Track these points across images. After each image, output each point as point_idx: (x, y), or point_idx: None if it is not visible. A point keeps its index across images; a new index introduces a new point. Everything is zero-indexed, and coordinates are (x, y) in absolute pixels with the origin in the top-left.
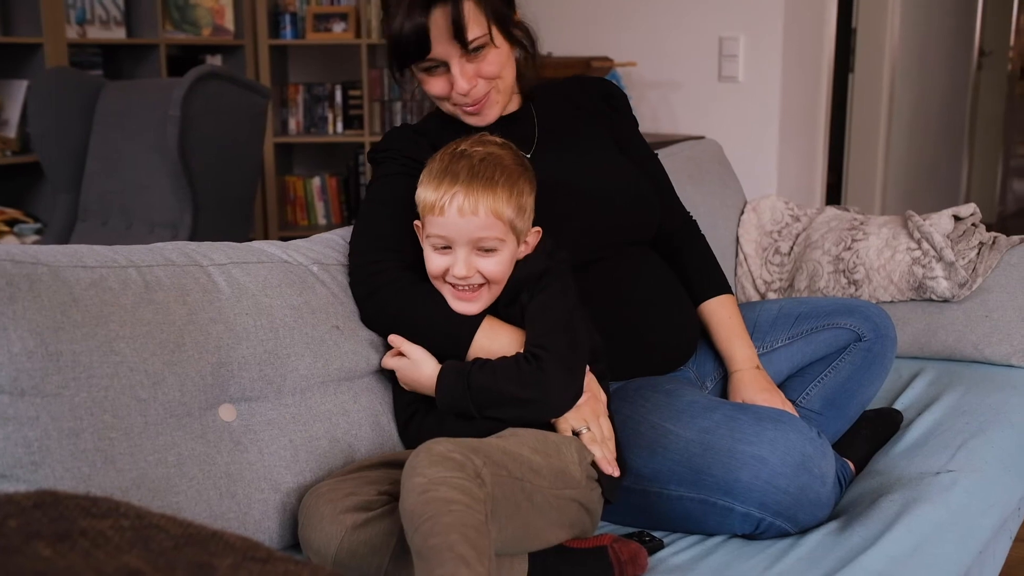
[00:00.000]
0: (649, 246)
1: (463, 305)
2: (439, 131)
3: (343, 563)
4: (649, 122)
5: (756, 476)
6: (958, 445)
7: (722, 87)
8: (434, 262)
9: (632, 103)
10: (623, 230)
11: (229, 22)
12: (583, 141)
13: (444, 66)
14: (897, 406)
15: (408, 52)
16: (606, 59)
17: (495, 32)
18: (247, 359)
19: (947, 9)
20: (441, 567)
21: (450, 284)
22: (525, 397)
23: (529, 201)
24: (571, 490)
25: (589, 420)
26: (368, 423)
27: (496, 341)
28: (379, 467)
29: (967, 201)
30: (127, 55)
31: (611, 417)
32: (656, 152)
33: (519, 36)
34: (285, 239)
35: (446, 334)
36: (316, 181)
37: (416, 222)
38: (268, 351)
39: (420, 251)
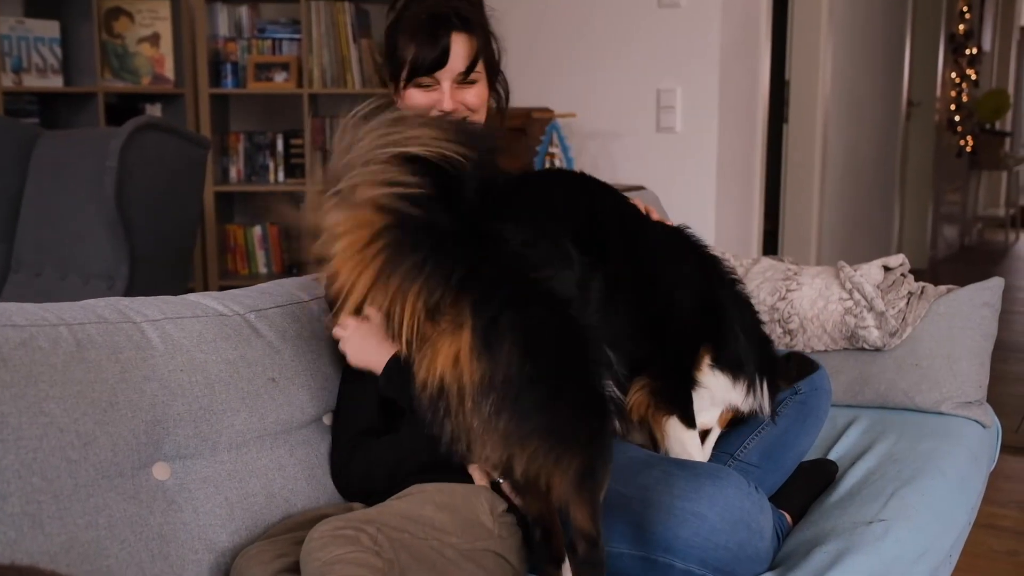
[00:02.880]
0: None
1: None
2: None
3: None
4: (589, 172)
5: (696, 533)
6: (890, 494)
7: (660, 138)
8: None
9: (572, 153)
10: None
11: (169, 71)
12: None
13: (435, 85)
14: (832, 455)
15: (421, 67)
16: (546, 110)
17: (486, 74)
18: (182, 416)
19: (877, 62)
20: None
21: None
22: None
23: None
24: (483, 541)
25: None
26: (304, 477)
27: None
28: (312, 525)
29: (900, 247)
30: (64, 103)
31: None
32: None
33: (499, 87)
34: (225, 288)
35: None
36: (257, 230)
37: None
38: (203, 407)
39: None
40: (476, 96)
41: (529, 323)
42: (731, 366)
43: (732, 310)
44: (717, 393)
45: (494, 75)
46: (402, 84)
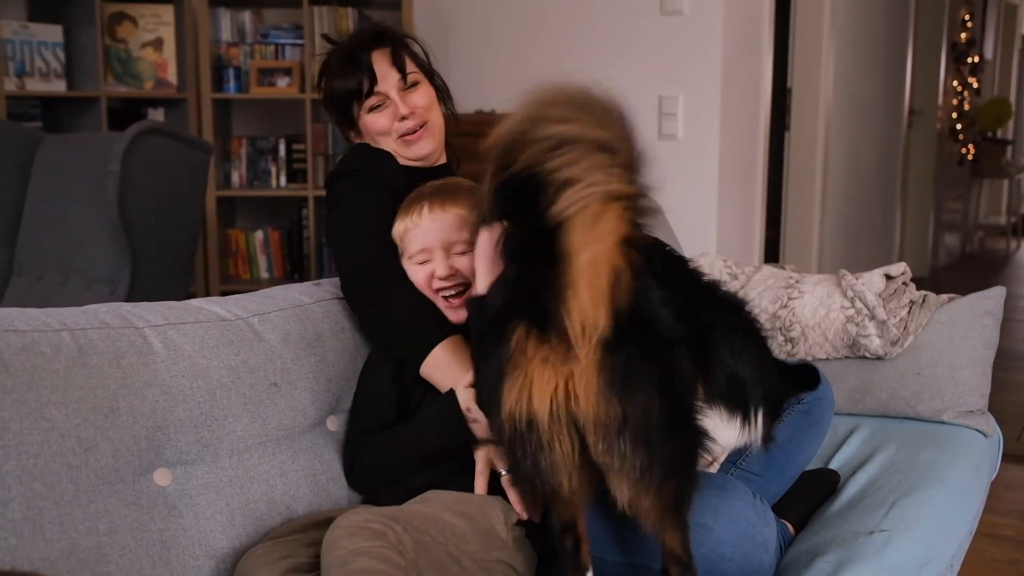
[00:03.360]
0: None
1: (457, 314)
2: (388, 159)
3: None
4: None
5: (700, 544)
6: (891, 504)
7: (662, 145)
8: (418, 275)
9: None
10: None
11: (172, 75)
12: None
13: (385, 102)
14: (833, 463)
15: (354, 91)
16: None
17: (422, 73)
18: (183, 422)
19: (878, 70)
20: None
21: (440, 295)
22: None
23: None
24: (497, 552)
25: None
26: (306, 483)
27: (450, 367)
28: (315, 527)
29: (901, 255)
30: (67, 107)
31: None
32: None
33: (440, 87)
34: (227, 293)
35: (416, 333)
36: (259, 234)
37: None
38: (205, 413)
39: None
40: (423, 96)
41: (662, 364)
42: (722, 398)
43: (722, 340)
44: (711, 430)
45: (430, 73)
46: (357, 119)
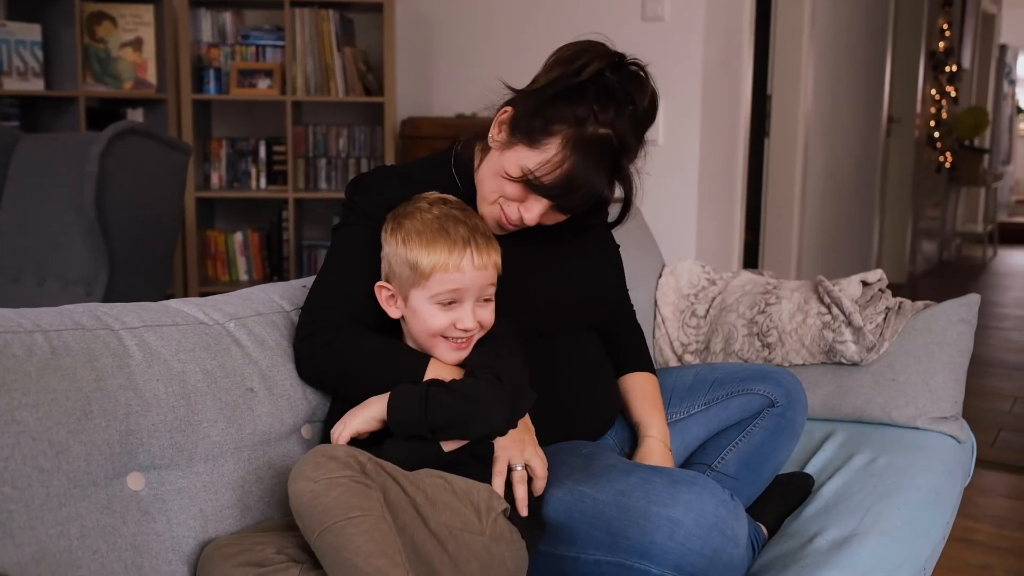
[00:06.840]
0: (590, 327)
1: (457, 355)
2: (435, 184)
3: None
4: None
5: (671, 538)
6: (866, 508)
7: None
8: (439, 319)
9: None
10: (572, 315)
11: (152, 76)
12: (548, 231)
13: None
14: (809, 468)
15: (553, 188)
16: None
17: None
18: (157, 426)
19: (858, 78)
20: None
21: (444, 338)
22: (481, 404)
23: None
24: (470, 534)
25: (527, 457)
26: (282, 489)
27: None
28: (285, 529)
29: (879, 262)
30: (45, 107)
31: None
32: None
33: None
34: (205, 294)
35: (396, 378)
36: (238, 236)
37: (380, 283)
38: (179, 418)
39: (375, 311)
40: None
41: None
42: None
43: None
44: None
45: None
46: (521, 144)
